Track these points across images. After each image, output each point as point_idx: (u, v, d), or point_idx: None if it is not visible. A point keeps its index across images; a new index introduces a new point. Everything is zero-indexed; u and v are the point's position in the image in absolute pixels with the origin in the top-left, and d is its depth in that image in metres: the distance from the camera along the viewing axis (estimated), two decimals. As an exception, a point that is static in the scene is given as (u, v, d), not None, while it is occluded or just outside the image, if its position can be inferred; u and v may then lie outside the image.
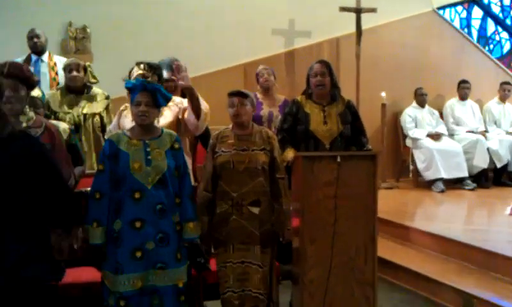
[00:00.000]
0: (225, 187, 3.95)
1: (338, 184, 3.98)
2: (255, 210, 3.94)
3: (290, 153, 4.49)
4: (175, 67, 3.95)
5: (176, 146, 3.67)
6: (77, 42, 7.87)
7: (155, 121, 3.71)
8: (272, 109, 6.32)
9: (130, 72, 4.35)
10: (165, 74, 4.61)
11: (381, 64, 9.14)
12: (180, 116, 4.26)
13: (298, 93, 5.00)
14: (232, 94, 3.99)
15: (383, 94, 8.64)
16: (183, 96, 4.51)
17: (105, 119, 5.87)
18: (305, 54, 8.52)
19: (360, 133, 4.74)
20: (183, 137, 4.19)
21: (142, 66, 4.26)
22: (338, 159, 3.99)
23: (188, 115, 4.09)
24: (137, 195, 3.52)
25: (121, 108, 4.49)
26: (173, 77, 4.45)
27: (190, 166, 4.32)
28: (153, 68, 4.30)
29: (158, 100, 3.62)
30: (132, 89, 3.68)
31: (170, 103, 4.10)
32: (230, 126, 4.09)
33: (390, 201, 7.58)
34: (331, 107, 4.72)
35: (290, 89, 8.18)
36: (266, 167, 3.99)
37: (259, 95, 6.38)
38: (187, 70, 3.95)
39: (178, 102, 4.35)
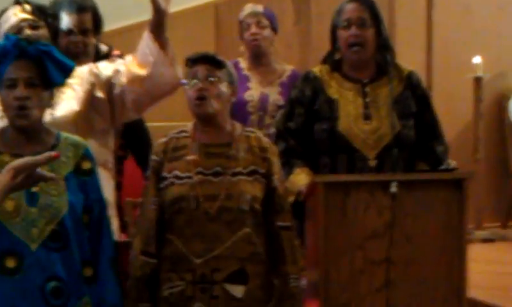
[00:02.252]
0: (181, 247, 3.07)
1: (392, 236, 3.12)
2: (238, 291, 3.05)
3: (301, 178, 3.54)
4: None
5: (87, 165, 2.86)
6: None
7: (46, 116, 2.88)
8: (268, 89, 4.81)
9: None
10: (66, 21, 3.61)
11: (473, 6, 7.20)
12: (99, 94, 3.28)
13: (317, 60, 3.89)
14: (194, 60, 3.10)
15: (477, 59, 6.75)
16: (98, 57, 3.63)
17: None
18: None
19: (433, 136, 3.69)
20: (102, 139, 3.31)
21: (25, 6, 3.34)
22: (393, 188, 3.16)
23: (151, 67, 3.17)
24: (10, 263, 2.74)
25: None
26: (85, 25, 3.57)
27: (113, 202, 3.32)
28: (44, 11, 3.36)
29: (50, 75, 2.78)
30: None
31: (74, 79, 3.21)
32: (190, 125, 3.19)
33: (490, 267, 5.68)
34: (377, 86, 3.70)
35: (304, 52, 6.03)
36: (258, 207, 3.08)
37: (243, 64, 4.88)
38: None
39: (90, 71, 3.36)
